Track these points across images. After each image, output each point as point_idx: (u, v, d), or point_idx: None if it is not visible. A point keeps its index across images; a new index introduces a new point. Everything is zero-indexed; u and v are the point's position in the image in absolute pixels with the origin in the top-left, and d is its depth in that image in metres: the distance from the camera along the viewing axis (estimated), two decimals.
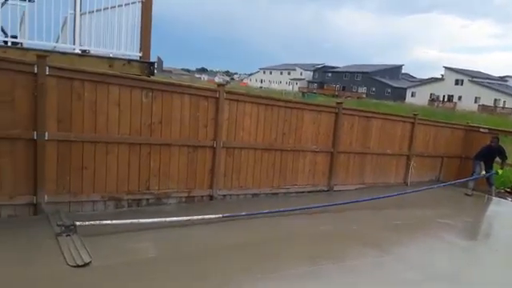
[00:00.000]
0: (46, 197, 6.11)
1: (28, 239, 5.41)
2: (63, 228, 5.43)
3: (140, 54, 8.59)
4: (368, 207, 8.46)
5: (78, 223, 5.51)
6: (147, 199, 7.14)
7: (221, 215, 6.73)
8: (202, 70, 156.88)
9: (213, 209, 7.18)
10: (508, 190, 12.26)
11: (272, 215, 7.36)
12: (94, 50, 8.15)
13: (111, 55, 8.20)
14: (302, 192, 9.22)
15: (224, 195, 8.07)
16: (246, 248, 5.99)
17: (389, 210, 8.78)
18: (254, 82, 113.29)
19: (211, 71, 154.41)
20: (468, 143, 12.33)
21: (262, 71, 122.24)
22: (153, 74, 8.86)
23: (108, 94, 6.48)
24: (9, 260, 4.79)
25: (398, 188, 10.45)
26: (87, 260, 4.80)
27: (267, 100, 8.68)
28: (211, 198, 7.87)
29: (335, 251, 6.34)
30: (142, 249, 5.46)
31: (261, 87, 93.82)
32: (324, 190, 9.61)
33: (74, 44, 8.06)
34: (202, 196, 7.82)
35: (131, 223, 5.90)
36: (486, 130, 12.23)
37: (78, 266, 4.71)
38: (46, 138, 5.98)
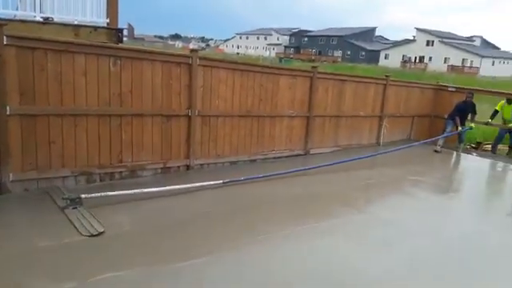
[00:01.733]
0: (10, 175, 5.82)
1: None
2: (69, 201, 5.45)
3: (107, 21, 8.28)
4: (342, 169, 8.51)
5: (83, 196, 5.55)
6: (120, 172, 6.94)
7: (221, 181, 6.92)
8: (176, 37, 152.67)
9: (191, 179, 7.06)
10: (473, 145, 13.38)
11: (251, 181, 7.28)
12: (58, 17, 7.76)
13: (76, 22, 7.85)
14: (280, 157, 9.19)
15: (201, 164, 7.95)
16: (235, 214, 6.02)
17: (362, 170, 8.96)
18: (230, 48, 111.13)
19: (186, 37, 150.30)
20: (437, 102, 12.80)
21: (238, 36, 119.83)
22: (121, 42, 8.56)
23: (73, 64, 6.13)
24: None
25: (371, 148, 10.74)
26: (100, 230, 4.91)
27: (243, 66, 8.49)
28: (188, 167, 7.74)
29: (315, 212, 6.39)
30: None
31: (237, 53, 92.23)
32: (301, 154, 9.63)
33: (34, 11, 7.65)
34: (179, 166, 7.68)
35: (134, 193, 5.97)
36: (454, 89, 12.73)
37: (92, 236, 4.79)
38: (8, 113, 5.64)
